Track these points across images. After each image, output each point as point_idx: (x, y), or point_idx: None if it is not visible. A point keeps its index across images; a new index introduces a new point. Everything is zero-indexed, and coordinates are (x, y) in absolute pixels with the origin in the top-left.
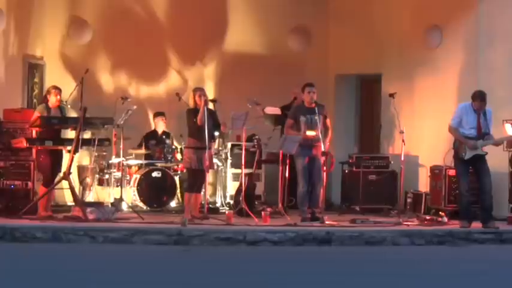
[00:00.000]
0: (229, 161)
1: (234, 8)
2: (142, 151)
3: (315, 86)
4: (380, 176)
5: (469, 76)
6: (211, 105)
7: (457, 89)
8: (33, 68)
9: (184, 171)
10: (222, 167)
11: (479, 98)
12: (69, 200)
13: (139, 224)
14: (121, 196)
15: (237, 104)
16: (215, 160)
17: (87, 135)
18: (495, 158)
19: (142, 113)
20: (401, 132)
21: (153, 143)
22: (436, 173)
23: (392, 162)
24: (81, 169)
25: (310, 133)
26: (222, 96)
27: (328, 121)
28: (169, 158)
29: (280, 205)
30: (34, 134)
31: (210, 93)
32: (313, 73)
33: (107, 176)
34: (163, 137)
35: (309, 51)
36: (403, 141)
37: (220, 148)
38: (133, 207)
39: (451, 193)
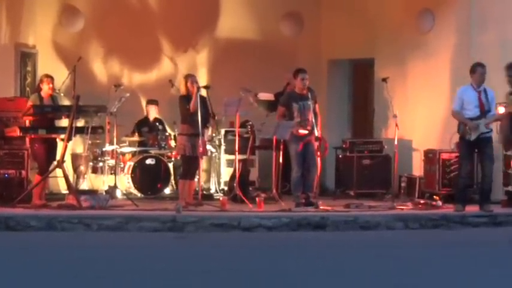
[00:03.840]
0: (223, 147)
1: None
2: (136, 138)
3: (307, 71)
4: (374, 160)
5: (462, 59)
6: (203, 92)
7: (449, 73)
8: (25, 57)
9: (178, 158)
10: (215, 153)
11: (479, 66)
12: (63, 188)
13: (133, 211)
14: (115, 184)
15: (230, 90)
16: (209, 146)
17: (80, 123)
18: None
19: (136, 100)
20: (395, 116)
21: (146, 130)
22: (429, 157)
23: (386, 146)
24: (75, 157)
25: (302, 131)
26: (215, 83)
27: (317, 106)
28: (163, 145)
29: (274, 191)
30: (27, 123)
31: (203, 80)
32: (305, 58)
33: (100, 164)
34: (157, 123)
35: (301, 36)
36: (396, 125)
37: (213, 134)
38: (128, 195)
39: (445, 177)
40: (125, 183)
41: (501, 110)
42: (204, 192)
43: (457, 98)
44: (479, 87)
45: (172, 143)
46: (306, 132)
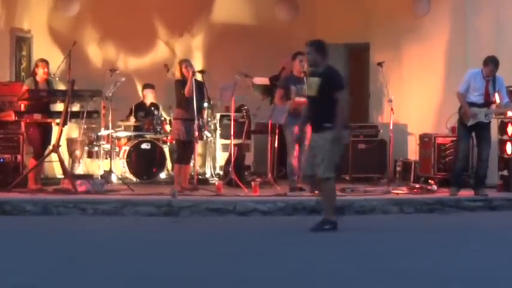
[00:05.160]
0: (218, 132)
1: None
2: (131, 123)
3: (305, 54)
4: (369, 145)
5: (457, 43)
6: (199, 77)
7: (445, 57)
8: (20, 41)
9: (174, 142)
10: (211, 138)
11: (491, 63)
12: (58, 173)
13: (129, 195)
14: (110, 168)
15: (226, 75)
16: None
17: (75, 107)
18: None
19: (131, 85)
20: (390, 101)
21: (142, 114)
22: (425, 141)
23: (381, 131)
24: (70, 142)
25: (300, 99)
26: (211, 67)
27: None
28: (158, 130)
29: (269, 175)
30: (22, 107)
31: (199, 64)
32: (301, 43)
33: (96, 148)
34: (152, 108)
35: (297, 20)
36: (391, 109)
37: (209, 119)
38: (123, 179)
39: (440, 161)
40: (120, 167)
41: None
42: (200, 176)
43: (465, 80)
44: (488, 76)
45: (168, 128)
46: (304, 99)
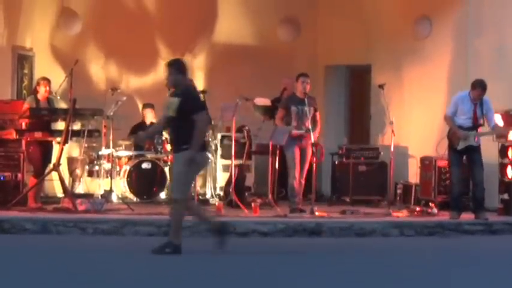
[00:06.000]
0: (219, 152)
1: None
2: (132, 142)
3: (309, 76)
4: (370, 167)
5: (459, 66)
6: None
7: (446, 79)
8: (22, 59)
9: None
10: (212, 158)
11: (480, 87)
12: (59, 192)
13: (129, 215)
14: (111, 187)
15: (227, 95)
16: None
17: (76, 126)
18: (485, 149)
19: (132, 104)
20: (391, 123)
21: None
22: (426, 163)
23: (382, 153)
24: (71, 160)
25: (298, 131)
26: (212, 87)
27: (318, 115)
28: (159, 149)
29: (270, 196)
30: (23, 126)
31: (200, 85)
32: (302, 64)
33: (96, 168)
34: None
35: (299, 42)
36: (392, 132)
37: (210, 139)
38: (123, 199)
39: (441, 184)
40: (120, 187)
41: (496, 117)
42: (200, 197)
43: (452, 103)
44: (476, 100)
45: (168, 147)
46: (301, 132)
